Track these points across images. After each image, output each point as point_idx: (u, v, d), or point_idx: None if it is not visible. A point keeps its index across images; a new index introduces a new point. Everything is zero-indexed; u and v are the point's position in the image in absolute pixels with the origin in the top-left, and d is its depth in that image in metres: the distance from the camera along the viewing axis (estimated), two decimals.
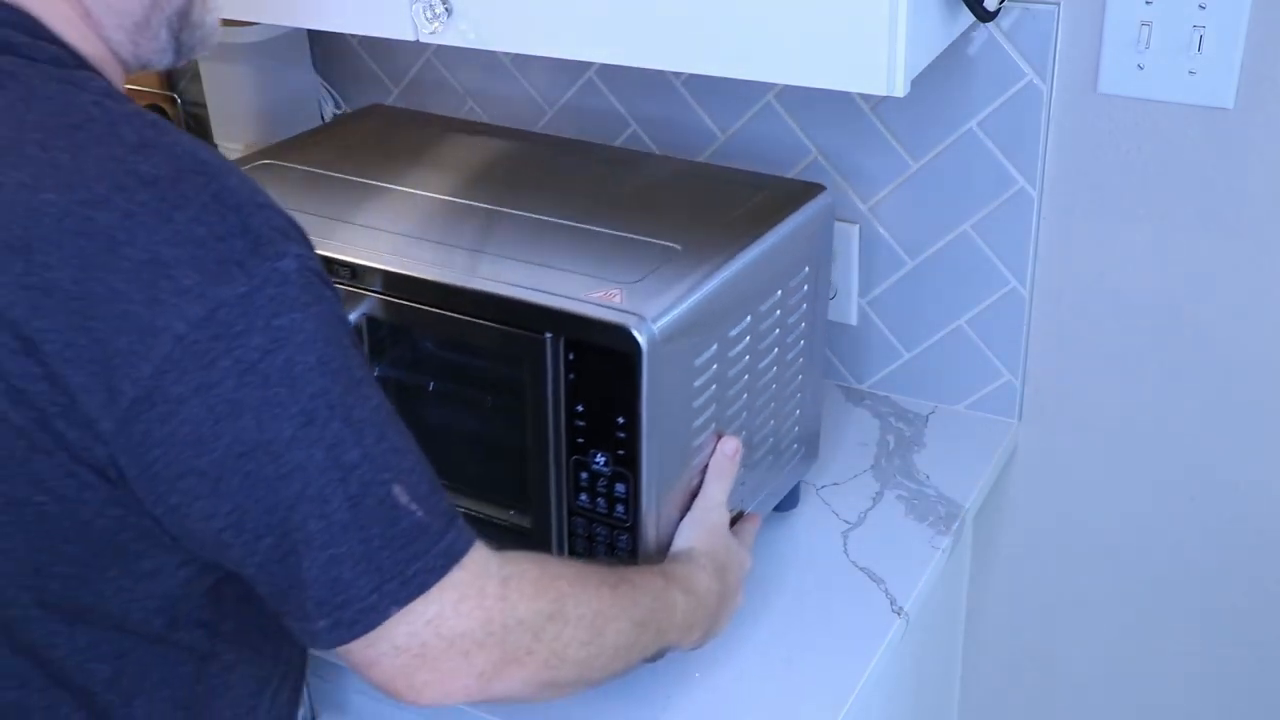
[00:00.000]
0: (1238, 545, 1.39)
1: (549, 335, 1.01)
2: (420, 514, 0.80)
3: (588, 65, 1.48)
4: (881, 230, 1.42)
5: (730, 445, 1.11)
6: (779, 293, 1.15)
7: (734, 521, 1.15)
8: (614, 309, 0.99)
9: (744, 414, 1.14)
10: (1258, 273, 1.26)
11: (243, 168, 1.29)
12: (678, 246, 1.09)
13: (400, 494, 0.79)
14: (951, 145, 1.34)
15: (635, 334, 0.97)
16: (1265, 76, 1.18)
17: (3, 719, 0.86)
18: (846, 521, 1.31)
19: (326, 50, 1.65)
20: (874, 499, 1.34)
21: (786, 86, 1.37)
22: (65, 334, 0.72)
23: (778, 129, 1.42)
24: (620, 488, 1.04)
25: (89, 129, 0.76)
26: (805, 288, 1.19)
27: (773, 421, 1.20)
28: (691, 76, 1.43)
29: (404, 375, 1.16)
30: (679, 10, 1.05)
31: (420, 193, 1.22)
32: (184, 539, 0.80)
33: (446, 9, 1.14)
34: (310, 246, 0.79)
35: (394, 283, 1.07)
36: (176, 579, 0.84)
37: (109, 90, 0.80)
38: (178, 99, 1.78)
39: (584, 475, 1.05)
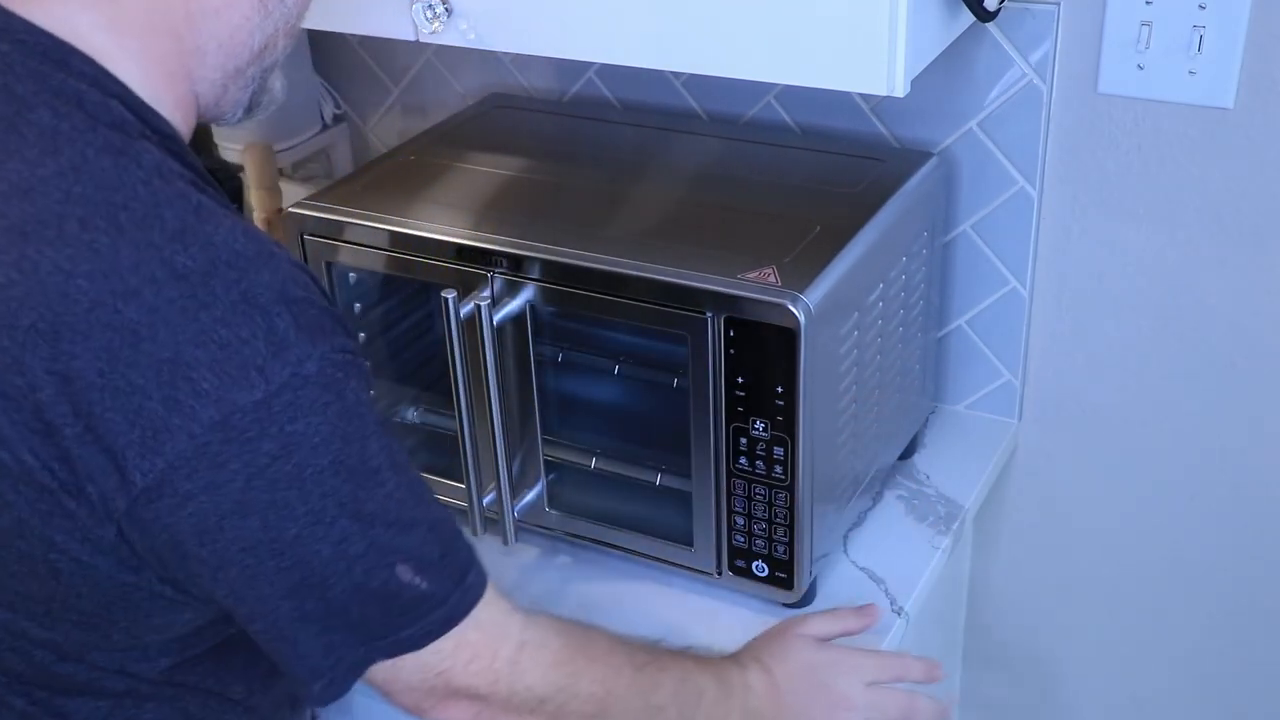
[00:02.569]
0: (1238, 544, 1.39)
1: (709, 314, 1.08)
2: (424, 586, 0.82)
3: (588, 65, 1.48)
4: None
5: (871, 614, 1.14)
6: (904, 259, 1.24)
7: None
8: (772, 289, 1.06)
9: (878, 373, 1.23)
10: (1257, 272, 1.26)
11: (380, 166, 1.32)
12: (815, 223, 1.16)
13: (404, 572, 0.81)
14: (951, 145, 1.34)
15: (794, 312, 1.04)
16: (1265, 76, 1.18)
17: None
18: (847, 521, 1.30)
19: (326, 50, 1.65)
20: (874, 499, 1.34)
21: (786, 86, 1.36)
22: (85, 420, 0.73)
23: (778, 129, 1.42)
24: (779, 451, 1.11)
25: (132, 210, 0.75)
26: (924, 251, 1.28)
27: (900, 378, 1.28)
28: (691, 76, 1.43)
29: (563, 354, 1.26)
30: (679, 10, 1.05)
31: (557, 180, 1.31)
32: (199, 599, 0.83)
33: (446, 9, 1.14)
34: (347, 334, 0.79)
35: (556, 271, 1.14)
36: (185, 627, 0.88)
37: (161, 168, 0.78)
38: None
39: (743, 441, 1.12)
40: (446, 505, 0.86)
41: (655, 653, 1.02)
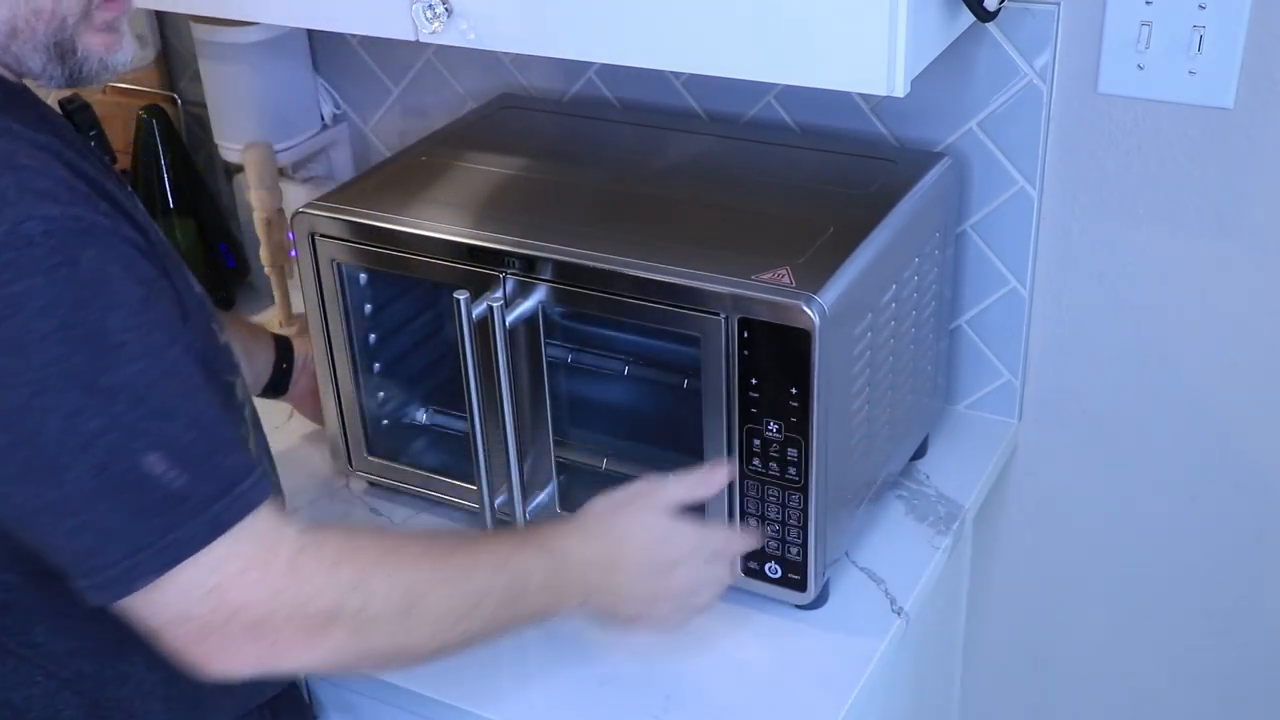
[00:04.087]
0: (1238, 544, 1.39)
1: (723, 315, 1.07)
2: (181, 483, 0.77)
3: (588, 65, 1.48)
4: None
5: (722, 473, 1.10)
6: (916, 259, 1.23)
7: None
8: (786, 290, 1.05)
9: (891, 374, 1.22)
10: (1257, 272, 1.26)
11: (391, 167, 1.32)
12: (829, 224, 1.16)
13: (156, 463, 0.76)
14: (951, 145, 1.34)
15: (809, 313, 1.04)
16: (1265, 76, 1.18)
17: None
18: (860, 523, 1.30)
19: (326, 50, 1.65)
20: (874, 499, 1.34)
21: (786, 86, 1.36)
22: None
23: (779, 129, 1.42)
24: (792, 452, 1.11)
25: None
26: (937, 252, 1.28)
27: (912, 379, 1.28)
28: (691, 76, 1.43)
29: (574, 355, 1.27)
30: (679, 10, 1.05)
31: (569, 181, 1.30)
32: None
33: (446, 9, 1.14)
34: (87, 206, 0.76)
35: (569, 272, 1.14)
36: None
37: None
38: (178, 99, 1.78)
39: (756, 442, 1.12)
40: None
41: (464, 537, 0.95)
